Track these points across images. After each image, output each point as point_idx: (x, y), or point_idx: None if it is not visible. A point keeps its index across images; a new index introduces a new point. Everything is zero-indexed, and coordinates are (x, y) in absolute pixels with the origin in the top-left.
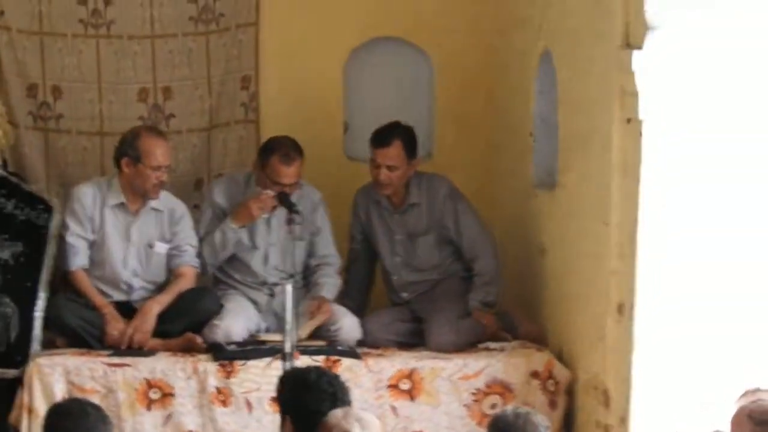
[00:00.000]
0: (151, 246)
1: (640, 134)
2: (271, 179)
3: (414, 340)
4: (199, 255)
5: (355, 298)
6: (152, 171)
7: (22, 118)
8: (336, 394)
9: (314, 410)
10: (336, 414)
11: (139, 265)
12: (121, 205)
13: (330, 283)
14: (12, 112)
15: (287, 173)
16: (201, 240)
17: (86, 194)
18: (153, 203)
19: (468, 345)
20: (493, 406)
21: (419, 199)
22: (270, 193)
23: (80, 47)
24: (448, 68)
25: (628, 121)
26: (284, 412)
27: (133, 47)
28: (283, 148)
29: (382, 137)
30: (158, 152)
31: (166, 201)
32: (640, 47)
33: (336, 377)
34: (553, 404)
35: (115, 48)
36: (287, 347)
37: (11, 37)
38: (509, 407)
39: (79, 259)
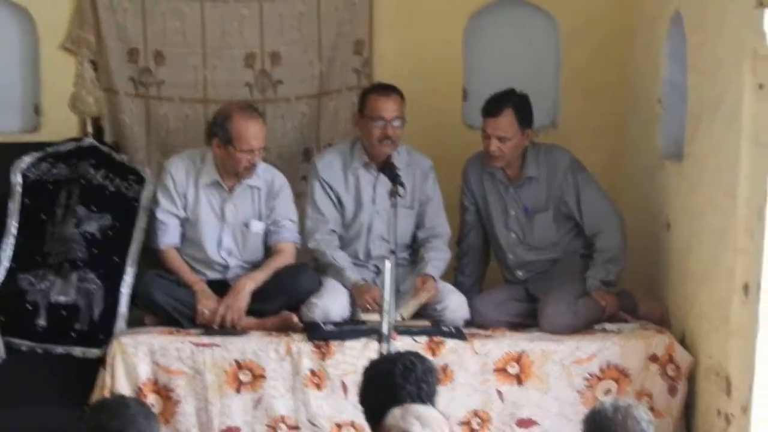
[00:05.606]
0: (247, 225)
1: None
2: (372, 118)
3: (528, 321)
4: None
5: (471, 272)
6: (243, 154)
7: (121, 84)
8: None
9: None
10: (394, 414)
11: (234, 246)
12: (216, 183)
13: (437, 258)
14: (111, 78)
15: (386, 106)
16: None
17: (179, 169)
18: (249, 180)
19: (584, 327)
20: (608, 392)
21: (537, 172)
22: (375, 292)
23: (184, 10)
24: (575, 33)
25: (760, 86)
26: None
27: (240, 10)
28: (378, 84)
29: (492, 106)
30: (250, 136)
31: (264, 174)
32: None
33: (415, 371)
34: (672, 390)
35: (220, 11)
36: (384, 328)
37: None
38: (608, 400)
39: (169, 238)
